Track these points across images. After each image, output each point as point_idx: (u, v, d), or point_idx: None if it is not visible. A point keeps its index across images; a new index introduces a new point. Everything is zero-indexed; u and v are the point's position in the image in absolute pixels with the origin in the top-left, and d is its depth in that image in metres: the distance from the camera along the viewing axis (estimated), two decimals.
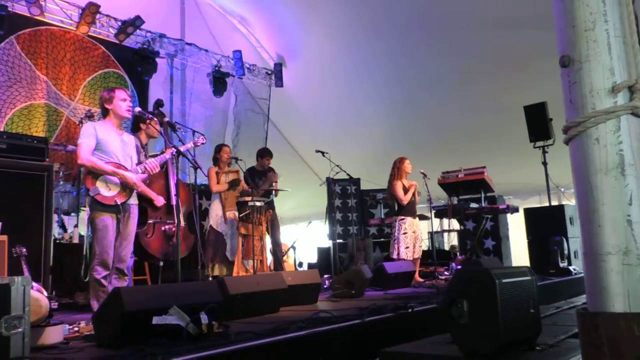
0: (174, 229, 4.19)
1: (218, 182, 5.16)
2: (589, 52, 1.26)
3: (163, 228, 4.20)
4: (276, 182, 5.47)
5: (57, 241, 4.88)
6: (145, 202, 4.08)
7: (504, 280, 1.87)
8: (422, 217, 6.19)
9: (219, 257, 5.06)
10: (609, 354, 1.15)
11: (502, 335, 1.78)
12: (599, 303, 1.21)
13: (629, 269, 1.18)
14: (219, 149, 5.34)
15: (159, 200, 4.12)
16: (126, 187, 3.27)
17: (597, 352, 1.17)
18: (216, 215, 5.12)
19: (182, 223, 4.32)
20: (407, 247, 5.55)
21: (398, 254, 5.56)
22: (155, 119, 3.76)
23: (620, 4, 1.25)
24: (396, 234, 5.66)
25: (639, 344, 1.12)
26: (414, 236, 5.63)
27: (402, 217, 5.66)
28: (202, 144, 4.07)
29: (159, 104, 4.64)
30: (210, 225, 5.10)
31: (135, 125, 4.05)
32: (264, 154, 5.59)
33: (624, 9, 1.25)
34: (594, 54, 1.26)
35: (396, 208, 5.82)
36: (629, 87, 1.23)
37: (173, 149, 3.50)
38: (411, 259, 5.51)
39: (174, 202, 4.26)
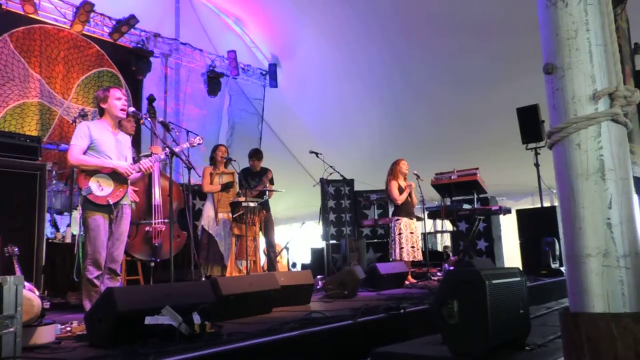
0: (158, 229, 4.19)
1: (211, 183, 5.16)
2: (571, 59, 1.30)
3: (146, 229, 4.20)
4: (269, 181, 5.48)
5: (50, 241, 4.87)
6: None
7: (494, 281, 1.89)
8: (416, 218, 6.23)
9: (212, 258, 5.06)
10: (588, 353, 1.18)
11: (492, 336, 1.80)
12: (579, 304, 1.25)
13: (609, 270, 1.22)
14: (215, 148, 5.36)
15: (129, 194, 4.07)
16: (119, 185, 3.27)
17: (578, 351, 1.21)
18: (208, 216, 5.13)
19: (172, 220, 4.32)
20: (402, 248, 5.56)
21: (394, 255, 5.58)
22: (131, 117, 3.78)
23: (602, 13, 1.29)
24: (392, 235, 5.69)
25: (617, 344, 1.15)
26: (411, 237, 5.64)
27: (397, 217, 5.68)
28: (199, 144, 4.08)
29: (151, 99, 4.65)
30: (202, 227, 5.11)
31: None
32: (253, 155, 5.60)
33: (605, 18, 1.29)
34: (576, 62, 1.29)
35: (392, 209, 5.84)
36: (610, 94, 1.27)
37: (167, 149, 3.51)
38: (407, 259, 5.52)
39: (155, 202, 4.25)
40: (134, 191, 4.03)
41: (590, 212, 1.24)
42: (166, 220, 4.25)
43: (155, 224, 4.22)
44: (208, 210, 5.14)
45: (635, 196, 1.27)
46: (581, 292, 1.23)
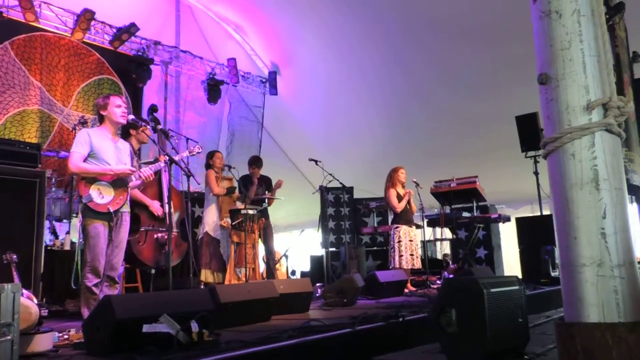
0: (166, 236, 4.19)
1: (218, 186, 5.19)
2: (565, 70, 1.31)
3: (155, 236, 4.20)
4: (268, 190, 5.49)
5: (48, 248, 4.86)
6: (138, 209, 4.09)
7: (492, 290, 1.89)
8: (416, 226, 6.22)
9: (214, 263, 5.06)
10: None
11: (490, 344, 1.80)
12: (574, 313, 1.25)
13: (603, 280, 1.22)
14: (211, 155, 5.37)
15: (156, 208, 4.13)
16: (120, 193, 3.27)
17: None
18: (212, 221, 5.12)
19: (175, 230, 4.33)
20: (401, 256, 5.55)
21: (393, 262, 5.57)
22: (148, 126, 3.78)
23: (595, 25, 1.30)
24: (392, 242, 5.68)
25: (612, 354, 1.15)
26: (410, 245, 5.63)
27: (397, 225, 5.68)
28: (198, 153, 4.09)
29: (153, 109, 4.66)
30: (206, 232, 5.10)
31: (125, 132, 4.07)
32: (252, 163, 5.61)
33: (598, 29, 1.30)
34: (569, 73, 1.31)
35: (392, 216, 5.84)
36: (603, 104, 1.28)
37: (166, 157, 3.52)
38: (406, 267, 5.51)
39: (166, 209, 4.26)
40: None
41: (584, 221, 1.25)
42: (175, 230, 4.29)
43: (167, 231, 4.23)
44: (212, 215, 5.14)
45: (634, 205, 1.28)
46: (576, 301, 1.24)
